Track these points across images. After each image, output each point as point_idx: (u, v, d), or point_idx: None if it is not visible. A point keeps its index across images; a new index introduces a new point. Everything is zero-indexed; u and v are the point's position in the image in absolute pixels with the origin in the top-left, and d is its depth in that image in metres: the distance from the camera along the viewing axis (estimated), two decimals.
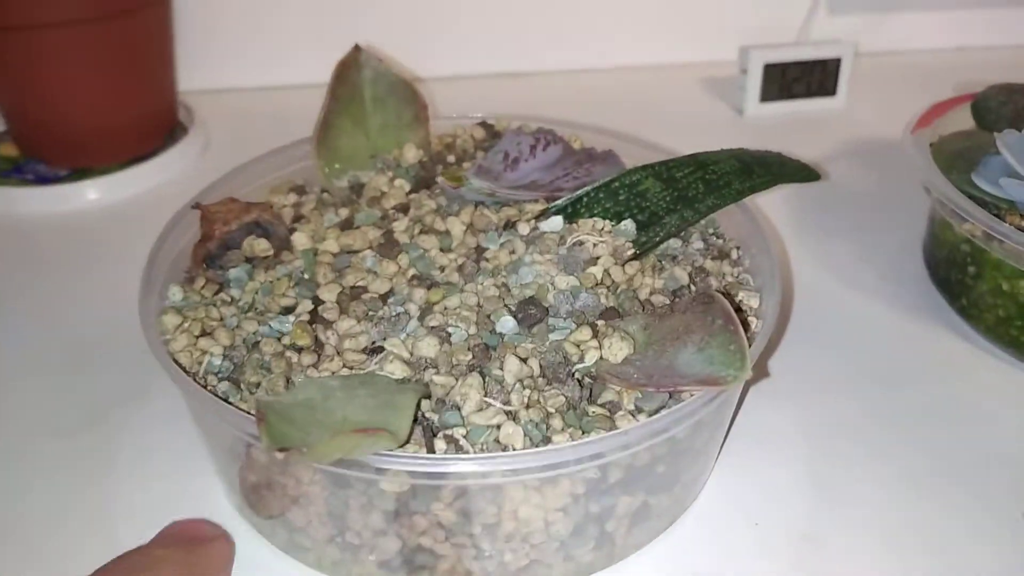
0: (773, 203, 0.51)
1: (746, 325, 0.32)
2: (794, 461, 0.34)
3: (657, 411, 0.27)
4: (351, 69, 0.39)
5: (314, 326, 0.31)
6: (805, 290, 0.44)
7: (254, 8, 0.62)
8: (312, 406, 0.25)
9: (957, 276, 0.41)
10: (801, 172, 0.38)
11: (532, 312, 0.31)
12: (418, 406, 0.27)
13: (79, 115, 0.52)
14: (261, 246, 0.34)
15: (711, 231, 0.37)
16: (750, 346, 0.27)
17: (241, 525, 0.31)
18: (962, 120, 0.47)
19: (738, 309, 0.31)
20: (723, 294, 0.29)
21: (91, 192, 0.52)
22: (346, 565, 0.29)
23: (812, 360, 0.39)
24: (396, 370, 0.28)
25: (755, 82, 0.61)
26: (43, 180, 0.53)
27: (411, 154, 0.40)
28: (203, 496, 0.32)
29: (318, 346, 0.30)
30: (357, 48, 0.39)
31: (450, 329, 0.30)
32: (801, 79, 0.62)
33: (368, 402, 0.26)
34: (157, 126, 0.57)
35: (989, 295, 0.39)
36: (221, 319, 0.32)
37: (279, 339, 0.31)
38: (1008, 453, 0.35)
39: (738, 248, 0.36)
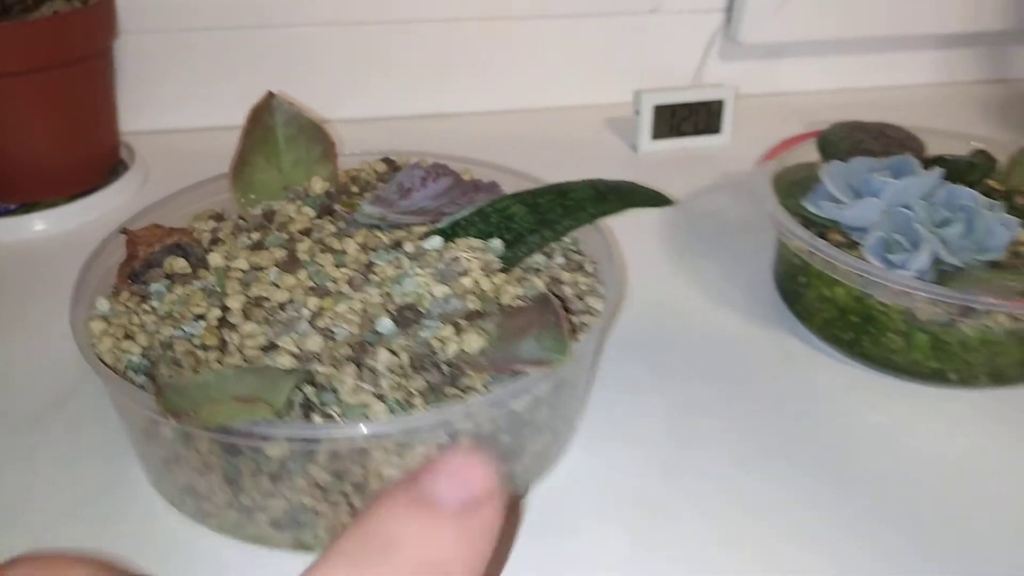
0: (654, 228, 0.58)
1: (572, 323, 0.38)
2: (645, 441, 0.40)
3: None
4: (264, 113, 0.45)
5: (221, 330, 0.36)
6: (672, 301, 0.50)
7: (191, 58, 0.68)
8: (207, 386, 0.31)
9: (792, 286, 0.48)
10: (651, 198, 0.45)
11: (408, 315, 0.37)
12: (301, 390, 0.33)
13: (27, 156, 0.58)
14: (180, 264, 0.40)
15: (572, 249, 0.43)
16: (575, 338, 0.33)
17: (156, 498, 0.36)
18: (813, 154, 0.54)
19: (568, 309, 0.37)
20: (557, 296, 0.36)
21: (38, 224, 0.57)
22: (244, 526, 0.34)
23: (668, 357, 0.46)
24: (285, 362, 0.34)
25: (647, 121, 0.68)
26: None
27: (318, 186, 0.46)
28: (124, 474, 0.38)
29: (223, 345, 0.36)
30: (270, 94, 0.45)
31: (335, 329, 0.35)
32: (689, 119, 0.69)
33: (255, 384, 0.31)
34: (100, 165, 0.62)
35: (816, 301, 0.46)
36: (142, 325, 0.37)
37: (190, 340, 0.36)
38: (832, 432, 0.41)
39: (593, 263, 0.43)
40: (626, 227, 0.56)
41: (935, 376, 0.43)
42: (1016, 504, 0.37)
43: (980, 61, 0.83)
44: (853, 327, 0.44)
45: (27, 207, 0.58)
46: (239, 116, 0.44)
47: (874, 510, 0.37)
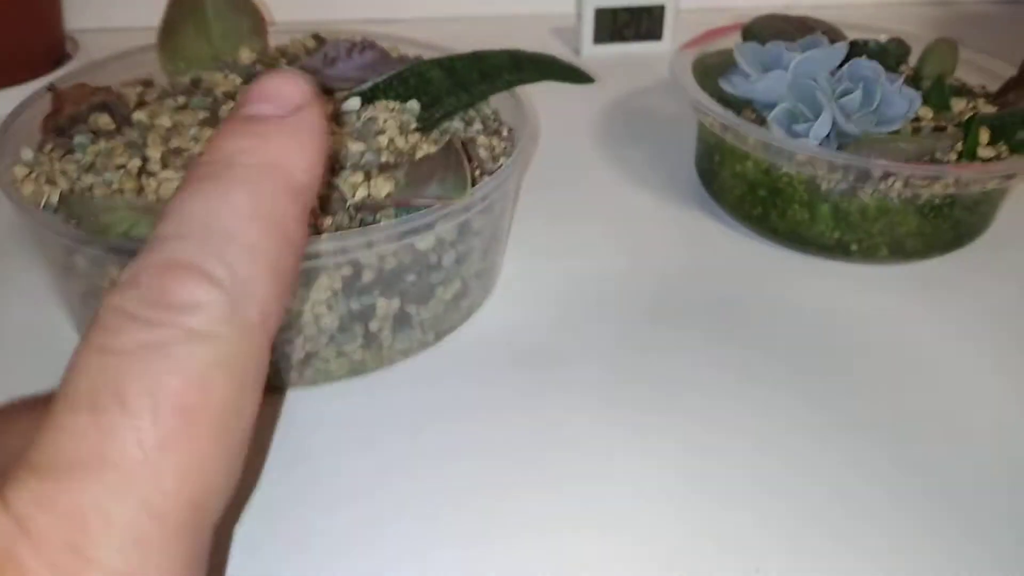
0: (585, 120, 0.59)
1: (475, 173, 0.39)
2: (556, 303, 0.42)
3: None
4: None
5: (140, 177, 0.38)
6: (591, 180, 0.52)
7: None
8: (112, 203, 0.32)
9: (708, 165, 0.49)
10: (571, 74, 0.46)
11: None
12: None
13: None
14: (104, 121, 0.41)
15: (492, 118, 0.45)
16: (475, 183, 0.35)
17: (77, 339, 0.38)
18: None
19: (481, 167, 0.39)
20: (467, 153, 0.37)
21: None
22: None
23: (583, 227, 0.47)
24: None
25: (588, 25, 0.69)
26: None
27: (247, 56, 0.47)
28: (47, 318, 0.39)
29: (140, 190, 0.37)
30: None
31: None
32: (630, 24, 0.70)
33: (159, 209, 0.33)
34: (44, 56, 0.63)
35: (729, 178, 0.48)
36: (64, 173, 0.38)
37: (109, 186, 0.37)
38: (733, 300, 0.43)
39: (511, 130, 0.44)
40: (557, 117, 0.57)
41: (838, 248, 0.45)
42: (913, 370, 0.39)
43: None
44: (762, 201, 0.46)
45: None
46: None
47: (765, 366, 0.39)
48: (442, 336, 0.39)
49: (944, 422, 0.36)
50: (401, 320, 0.37)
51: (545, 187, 0.51)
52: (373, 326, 0.36)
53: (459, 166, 0.35)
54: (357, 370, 0.37)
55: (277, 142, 0.16)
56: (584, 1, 0.68)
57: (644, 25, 0.70)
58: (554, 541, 0.30)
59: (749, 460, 0.34)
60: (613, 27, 0.69)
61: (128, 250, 0.31)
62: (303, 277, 0.33)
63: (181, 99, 0.43)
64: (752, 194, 0.46)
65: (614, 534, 0.31)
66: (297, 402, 0.36)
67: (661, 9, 0.70)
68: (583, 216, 0.49)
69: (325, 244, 0.32)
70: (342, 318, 0.35)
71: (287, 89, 0.16)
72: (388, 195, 0.36)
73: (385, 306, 0.36)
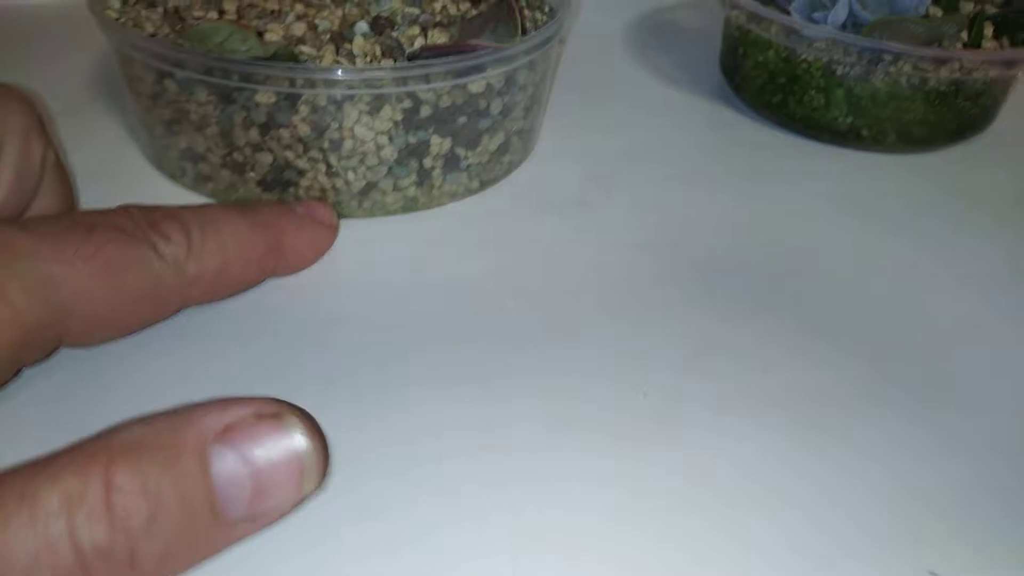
0: (617, 32, 0.63)
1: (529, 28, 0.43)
2: (589, 166, 0.46)
3: None
4: None
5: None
6: (620, 77, 0.56)
7: None
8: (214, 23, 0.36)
9: (731, 60, 0.53)
10: None
11: (383, 23, 0.42)
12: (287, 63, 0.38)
13: None
14: None
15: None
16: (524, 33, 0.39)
17: (157, 176, 0.42)
18: None
19: (522, 12, 0.42)
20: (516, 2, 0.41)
21: None
22: (236, 187, 0.40)
23: (614, 110, 0.51)
24: (273, 40, 0.39)
25: None
26: None
27: None
28: (126, 158, 0.43)
29: None
30: None
31: (318, 23, 0.41)
32: None
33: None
34: None
35: (751, 69, 0.51)
36: (149, 18, 0.42)
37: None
38: (747, 170, 0.47)
39: (551, 7, 0.48)
40: (588, 29, 0.61)
41: (850, 134, 0.49)
42: (906, 264, 0.43)
43: None
44: (781, 88, 0.50)
45: None
46: None
47: (778, 258, 0.43)
48: (485, 186, 0.43)
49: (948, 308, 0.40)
50: (451, 161, 0.40)
51: (578, 81, 0.55)
52: (427, 163, 0.40)
53: (510, 17, 0.39)
54: (409, 207, 0.41)
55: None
56: None
57: None
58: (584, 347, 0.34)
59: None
60: None
61: (221, 69, 0.35)
62: (366, 109, 0.37)
63: None
64: (772, 82, 0.50)
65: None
66: (356, 229, 0.40)
67: None
68: (613, 105, 0.53)
69: (387, 72, 0.36)
70: (400, 151, 0.39)
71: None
72: (444, 43, 0.40)
73: (438, 144, 0.39)
